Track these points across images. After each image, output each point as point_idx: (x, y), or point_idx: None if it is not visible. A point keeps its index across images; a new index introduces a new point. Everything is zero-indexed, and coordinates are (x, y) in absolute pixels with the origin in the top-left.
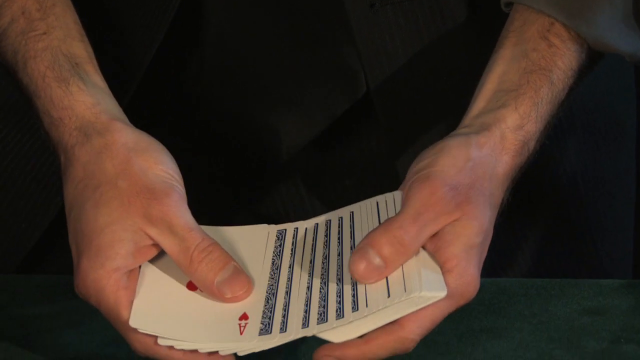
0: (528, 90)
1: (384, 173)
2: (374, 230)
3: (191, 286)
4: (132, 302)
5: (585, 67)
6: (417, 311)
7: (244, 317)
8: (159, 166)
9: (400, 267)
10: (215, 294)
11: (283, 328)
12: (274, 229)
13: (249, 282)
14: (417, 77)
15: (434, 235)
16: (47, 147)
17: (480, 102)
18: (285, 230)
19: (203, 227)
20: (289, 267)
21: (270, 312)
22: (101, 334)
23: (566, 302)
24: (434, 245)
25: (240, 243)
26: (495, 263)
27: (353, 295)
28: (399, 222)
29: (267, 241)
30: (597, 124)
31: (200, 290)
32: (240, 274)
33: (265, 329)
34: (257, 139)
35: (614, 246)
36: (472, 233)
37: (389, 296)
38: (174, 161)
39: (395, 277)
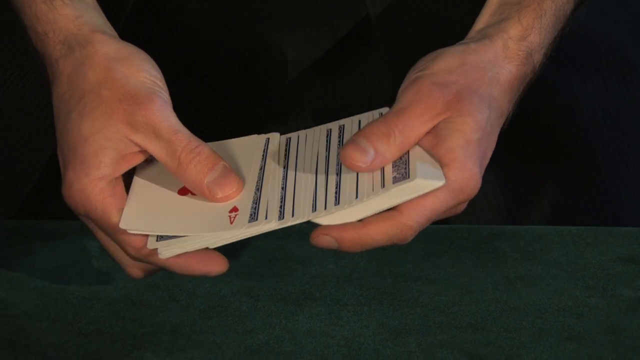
0: (531, 3)
1: (385, 97)
2: (364, 126)
3: (182, 191)
4: (120, 208)
5: None
6: (416, 198)
7: (234, 209)
8: (142, 73)
9: (396, 159)
10: (206, 194)
11: (274, 215)
12: (264, 137)
13: (239, 181)
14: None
15: (430, 133)
16: (41, 85)
17: (484, 15)
18: (279, 138)
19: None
20: (283, 168)
21: (260, 204)
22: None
23: (601, 250)
24: (430, 142)
25: (233, 153)
26: (513, 210)
27: (346, 187)
28: (385, 118)
29: (259, 148)
30: (605, 61)
31: (192, 194)
32: (230, 173)
33: (254, 217)
34: (261, 58)
35: (628, 190)
36: (467, 128)
37: (383, 186)
38: (157, 68)
39: (390, 167)
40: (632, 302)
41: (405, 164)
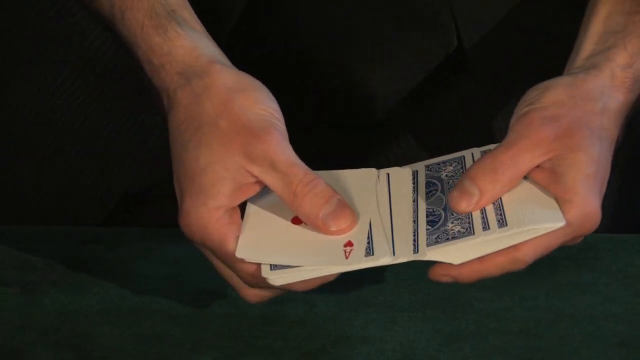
0: (635, 29)
1: (478, 127)
2: (472, 164)
3: (296, 221)
4: (237, 236)
5: None
6: (534, 238)
7: (349, 244)
8: (259, 105)
9: (515, 199)
10: (320, 228)
11: (390, 251)
12: (376, 171)
13: (354, 215)
14: (511, 29)
15: (545, 170)
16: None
17: (588, 44)
18: (389, 173)
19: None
20: (395, 203)
21: (376, 238)
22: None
23: None
24: (547, 180)
25: (346, 184)
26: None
27: (468, 223)
28: (492, 153)
29: (371, 181)
30: None
31: (305, 224)
32: (344, 206)
33: (369, 251)
34: (351, 92)
35: None
36: (582, 164)
37: (506, 225)
38: (274, 100)
39: (511, 208)
40: None
41: (526, 205)
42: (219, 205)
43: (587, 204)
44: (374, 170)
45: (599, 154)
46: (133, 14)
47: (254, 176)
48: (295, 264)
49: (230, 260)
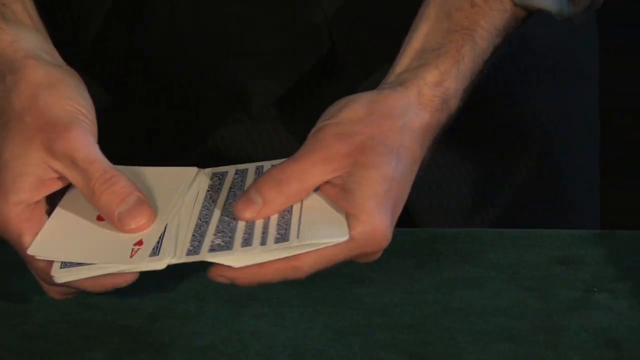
0: (450, 49)
1: None
2: (264, 174)
3: (100, 218)
4: (35, 233)
5: (511, 25)
6: (316, 250)
7: (139, 243)
8: (66, 100)
9: (299, 212)
10: (117, 225)
11: (172, 252)
12: (194, 170)
13: (151, 213)
14: (381, 32)
15: (336, 186)
16: None
17: (404, 60)
18: (208, 173)
19: (121, 166)
20: (196, 204)
21: (167, 238)
22: None
23: (539, 251)
24: (337, 195)
25: (158, 182)
26: (468, 210)
27: (248, 233)
28: (281, 165)
29: (186, 181)
30: (560, 66)
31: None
32: (142, 204)
33: (156, 251)
34: (225, 95)
35: (582, 196)
36: (373, 181)
37: (287, 240)
38: (86, 95)
39: (294, 221)
40: (570, 302)
41: (309, 219)
42: (19, 201)
43: (373, 220)
44: (194, 169)
45: (393, 171)
46: None
47: (56, 171)
48: (82, 261)
49: (25, 257)
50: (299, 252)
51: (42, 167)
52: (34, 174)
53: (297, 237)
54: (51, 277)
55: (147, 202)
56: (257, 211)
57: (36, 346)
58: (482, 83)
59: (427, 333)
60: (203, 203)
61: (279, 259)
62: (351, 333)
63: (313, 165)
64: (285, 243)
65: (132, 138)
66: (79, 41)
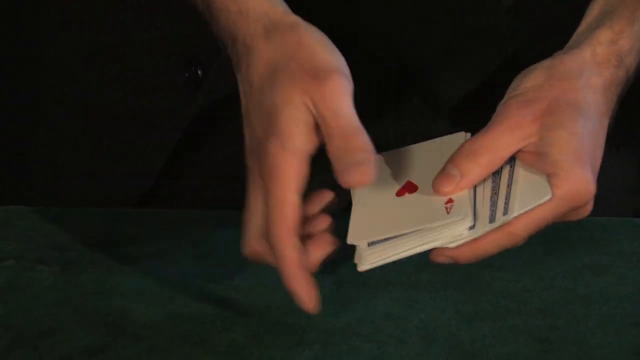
0: (624, 11)
1: None
2: (458, 150)
3: (400, 192)
4: (297, 189)
5: None
6: (524, 212)
7: (450, 201)
8: (330, 49)
9: (506, 188)
10: (339, 179)
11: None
12: (463, 136)
13: (368, 171)
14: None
15: (531, 153)
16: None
17: (582, 24)
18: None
19: (402, 149)
20: None
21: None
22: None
23: None
24: (533, 160)
25: (437, 152)
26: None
27: (494, 204)
28: (472, 139)
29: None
30: None
31: (409, 193)
32: (361, 165)
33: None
34: (422, 88)
35: None
36: (564, 140)
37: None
38: (341, 55)
39: (501, 198)
40: None
41: (506, 200)
42: (295, 149)
43: (573, 175)
44: (462, 134)
45: (583, 128)
46: None
47: (314, 117)
48: (399, 232)
49: (272, 213)
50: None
51: (308, 112)
52: (305, 120)
53: (505, 214)
54: (282, 239)
55: (371, 160)
56: (456, 184)
57: (180, 326)
58: None
59: (555, 318)
60: None
61: (493, 231)
62: (481, 317)
63: (502, 135)
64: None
65: None
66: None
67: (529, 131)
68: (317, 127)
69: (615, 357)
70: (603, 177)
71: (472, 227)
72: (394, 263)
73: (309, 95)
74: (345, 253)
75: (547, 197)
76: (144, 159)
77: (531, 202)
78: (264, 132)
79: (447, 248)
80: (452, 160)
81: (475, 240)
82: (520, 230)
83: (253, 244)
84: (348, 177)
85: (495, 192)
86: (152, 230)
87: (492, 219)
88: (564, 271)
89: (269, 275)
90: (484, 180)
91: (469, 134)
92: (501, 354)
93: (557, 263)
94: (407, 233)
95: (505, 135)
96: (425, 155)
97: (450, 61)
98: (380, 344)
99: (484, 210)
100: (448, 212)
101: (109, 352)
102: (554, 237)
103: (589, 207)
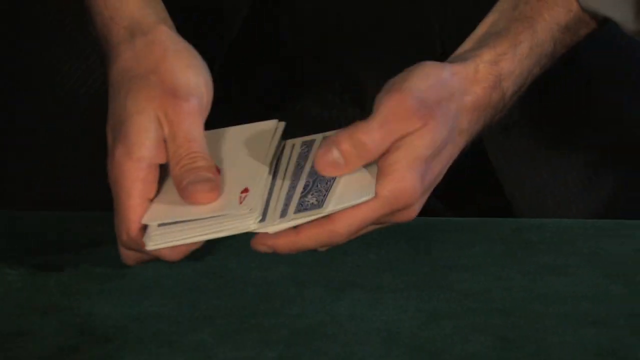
0: (509, 34)
1: None
2: (342, 130)
3: None
4: (142, 196)
5: (577, 26)
6: (347, 210)
7: (245, 190)
8: (192, 70)
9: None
10: (181, 193)
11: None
12: (274, 123)
13: (214, 190)
14: None
15: None
16: None
17: (467, 43)
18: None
19: (207, 131)
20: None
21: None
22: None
23: (621, 241)
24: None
25: (245, 138)
26: (563, 202)
27: (289, 198)
28: (366, 126)
29: (268, 133)
30: None
31: None
32: (208, 181)
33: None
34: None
35: None
36: (422, 145)
37: (317, 207)
38: (207, 69)
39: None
40: None
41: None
42: (142, 157)
43: (404, 179)
44: (274, 121)
45: (441, 141)
46: None
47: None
48: (188, 218)
49: (122, 217)
50: (329, 212)
51: (159, 126)
52: (156, 132)
53: (325, 206)
54: (135, 241)
55: (217, 183)
56: (338, 169)
57: (148, 326)
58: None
59: (515, 317)
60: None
61: (314, 224)
62: (443, 317)
63: (395, 130)
64: (315, 210)
65: None
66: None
67: (413, 126)
68: (164, 143)
69: (573, 355)
70: (560, 179)
71: (262, 221)
72: (357, 265)
73: (164, 110)
74: (308, 258)
75: (369, 197)
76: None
77: (351, 200)
78: (112, 137)
79: (267, 236)
80: (337, 142)
81: (295, 232)
82: (341, 228)
83: (125, 252)
84: (195, 193)
85: (293, 187)
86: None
87: (283, 213)
88: (523, 271)
89: (235, 276)
90: (285, 173)
91: (282, 123)
92: (463, 353)
93: (516, 263)
94: (197, 219)
95: (395, 133)
96: (235, 140)
97: (381, 60)
98: (344, 344)
99: (278, 204)
100: (241, 202)
101: (79, 353)
102: (512, 238)
103: (414, 211)
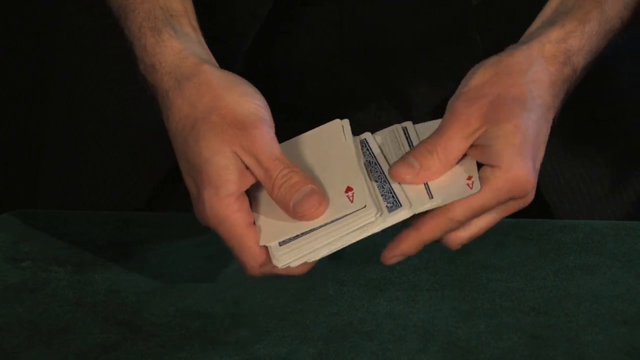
0: (578, 12)
1: None
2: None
3: None
4: (248, 222)
5: (636, 5)
6: (463, 199)
7: (349, 189)
8: (247, 99)
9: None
10: (292, 214)
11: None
12: (339, 122)
13: (323, 200)
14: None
15: (477, 147)
16: None
17: (536, 22)
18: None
19: (284, 143)
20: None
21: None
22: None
23: None
24: (479, 154)
25: (321, 141)
26: (594, 203)
27: (392, 194)
28: (428, 139)
29: (344, 134)
30: None
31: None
32: (313, 194)
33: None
34: (386, 105)
35: None
36: (507, 134)
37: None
38: (260, 94)
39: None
40: None
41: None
42: (229, 193)
43: (513, 167)
44: (337, 121)
45: (526, 122)
46: (134, 15)
47: (246, 165)
48: (304, 231)
49: (237, 245)
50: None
51: (238, 159)
52: (236, 165)
53: (431, 198)
54: (265, 262)
55: (320, 191)
56: (416, 174)
57: (190, 323)
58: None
59: (548, 316)
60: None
61: (433, 214)
62: (477, 316)
63: (455, 134)
64: (431, 201)
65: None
66: (236, 45)
67: (475, 127)
68: (246, 171)
69: (605, 354)
70: (592, 182)
71: (379, 214)
72: (395, 265)
73: (239, 144)
74: (347, 257)
75: (476, 190)
76: (153, 162)
77: (455, 195)
78: (195, 185)
79: (392, 249)
80: (412, 153)
81: (415, 229)
82: (461, 215)
83: (255, 273)
84: (306, 211)
85: (383, 182)
86: (162, 232)
87: (396, 205)
88: (555, 271)
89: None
90: (375, 167)
91: (346, 120)
92: (496, 350)
93: (549, 264)
94: (316, 229)
95: (458, 133)
96: (310, 146)
97: (421, 66)
98: (381, 341)
99: (378, 198)
100: (352, 201)
101: (122, 349)
102: (546, 239)
103: (529, 198)
